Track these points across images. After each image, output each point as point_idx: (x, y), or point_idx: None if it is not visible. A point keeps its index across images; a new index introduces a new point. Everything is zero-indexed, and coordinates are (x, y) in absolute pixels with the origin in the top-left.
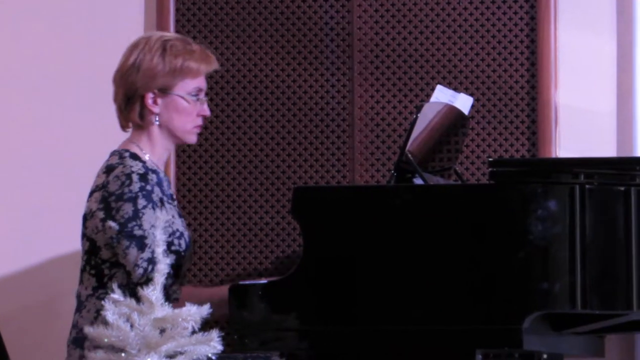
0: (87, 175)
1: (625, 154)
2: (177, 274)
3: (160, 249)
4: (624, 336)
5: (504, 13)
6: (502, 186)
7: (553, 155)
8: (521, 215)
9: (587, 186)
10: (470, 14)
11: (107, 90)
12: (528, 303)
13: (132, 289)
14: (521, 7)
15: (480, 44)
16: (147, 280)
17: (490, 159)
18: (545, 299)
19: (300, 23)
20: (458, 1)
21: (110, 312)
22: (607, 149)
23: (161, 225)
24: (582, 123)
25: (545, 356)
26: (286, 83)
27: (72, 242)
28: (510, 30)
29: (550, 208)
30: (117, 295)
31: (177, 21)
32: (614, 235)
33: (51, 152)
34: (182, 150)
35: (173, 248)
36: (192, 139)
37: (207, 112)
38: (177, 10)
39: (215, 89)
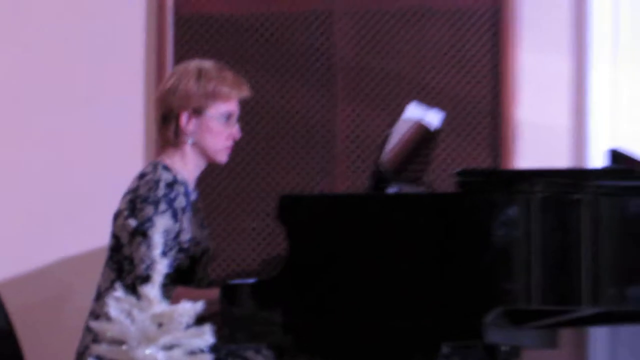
0: (97, 175)
1: (578, 166)
2: (190, 277)
3: (158, 251)
4: (577, 329)
5: (471, 36)
6: (469, 194)
7: (513, 167)
8: (485, 220)
9: (544, 194)
10: (441, 37)
11: (104, 94)
12: (491, 300)
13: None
14: (486, 30)
15: (449, 64)
16: (147, 277)
17: (457, 170)
18: (506, 297)
19: (288, 43)
20: (430, 25)
21: (113, 308)
22: (562, 162)
23: (173, 230)
24: (540, 138)
25: (505, 348)
26: (275, 98)
27: (83, 241)
28: (476, 52)
29: (511, 214)
30: (119, 293)
31: (175, 41)
32: (566, 239)
33: (62, 154)
34: None
35: (188, 254)
36: (222, 158)
37: (238, 135)
38: (175, 29)
39: None
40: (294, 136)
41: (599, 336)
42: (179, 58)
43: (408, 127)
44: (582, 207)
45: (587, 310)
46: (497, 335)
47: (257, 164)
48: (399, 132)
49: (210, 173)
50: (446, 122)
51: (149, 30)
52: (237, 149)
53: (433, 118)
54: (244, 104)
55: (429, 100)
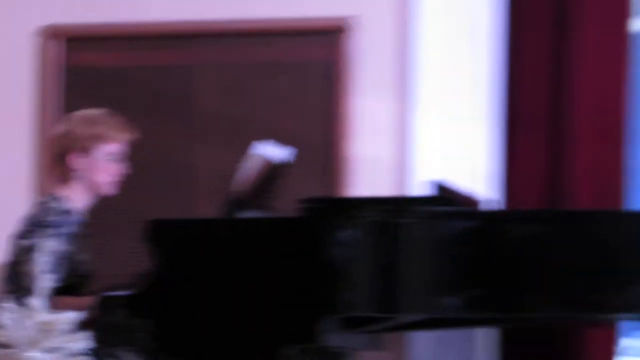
0: None
1: (402, 195)
2: (77, 291)
3: (43, 269)
4: (399, 334)
5: (310, 84)
6: (310, 218)
7: (347, 195)
8: (325, 241)
9: (372, 219)
10: (285, 85)
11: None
12: (326, 309)
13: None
14: (323, 80)
15: (293, 108)
16: (34, 290)
17: (301, 198)
18: (340, 306)
19: (157, 91)
20: (275, 76)
21: (4, 317)
22: (388, 191)
23: (60, 252)
24: (369, 170)
25: (339, 350)
26: (148, 139)
27: None
28: (315, 98)
29: (345, 236)
30: (9, 304)
31: (66, 91)
32: (391, 256)
33: None
34: None
35: (77, 272)
36: (108, 191)
37: (123, 171)
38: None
39: None
40: (161, 170)
41: (418, 339)
42: (69, 106)
43: (256, 161)
44: (404, 230)
45: (407, 317)
46: (331, 338)
47: (134, 193)
48: (248, 166)
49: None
50: (291, 157)
51: (41, 81)
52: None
53: (278, 153)
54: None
55: (276, 139)
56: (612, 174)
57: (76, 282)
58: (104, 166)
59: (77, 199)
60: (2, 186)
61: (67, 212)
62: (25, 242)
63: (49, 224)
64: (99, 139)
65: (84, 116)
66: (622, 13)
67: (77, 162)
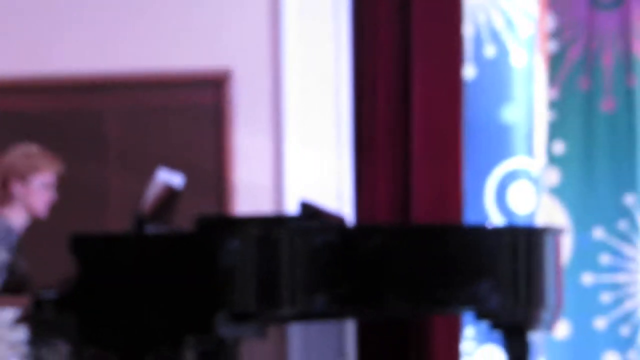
0: None
1: (279, 213)
2: (12, 291)
3: None
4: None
5: (201, 123)
6: (205, 232)
7: (233, 213)
8: (217, 250)
9: (256, 233)
10: (181, 125)
11: None
12: (219, 306)
13: None
14: (211, 120)
15: (186, 142)
16: None
17: (196, 215)
18: (230, 303)
19: (76, 132)
20: (172, 117)
21: None
22: (266, 209)
23: (3, 260)
24: (251, 193)
25: (229, 338)
26: (69, 171)
27: None
28: (204, 134)
29: (234, 246)
30: None
31: None
32: (272, 262)
33: None
34: None
35: (15, 277)
36: (40, 214)
37: (50, 198)
38: None
39: None
40: (81, 197)
41: (297, 329)
42: None
43: (158, 186)
44: (280, 242)
45: (285, 312)
46: (224, 329)
47: (61, 214)
48: (152, 190)
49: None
50: (187, 184)
51: None
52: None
53: (175, 180)
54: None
55: (173, 168)
56: (449, 192)
57: (14, 285)
58: (39, 192)
59: (16, 218)
60: None
61: (8, 228)
62: None
63: (4, 234)
64: (35, 169)
65: (23, 150)
66: (455, 73)
67: (16, 188)
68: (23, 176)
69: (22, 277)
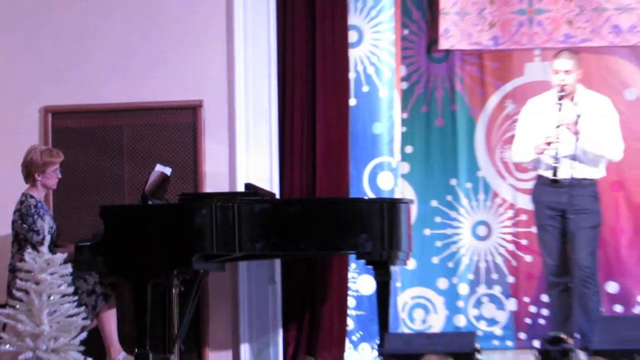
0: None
1: (232, 190)
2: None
3: (43, 232)
4: (233, 265)
5: (182, 135)
6: (186, 203)
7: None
8: (193, 214)
9: (218, 203)
10: (170, 135)
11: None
12: (195, 250)
13: (33, 248)
14: (189, 132)
15: (173, 147)
16: (42, 243)
17: (180, 194)
18: (201, 249)
19: (103, 138)
20: (165, 130)
21: (27, 256)
22: (225, 189)
23: (46, 223)
24: (216, 180)
25: (202, 271)
26: (96, 164)
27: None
28: (184, 141)
29: (204, 212)
30: (30, 250)
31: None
32: (228, 222)
33: None
34: None
35: (50, 233)
36: (53, 188)
37: (57, 177)
38: None
39: None
40: (106, 181)
41: (243, 265)
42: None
43: (156, 174)
44: (234, 208)
45: (238, 254)
46: (198, 265)
47: (93, 193)
48: (152, 177)
49: (67, 195)
50: (174, 174)
51: (42, 132)
52: (83, 184)
53: (167, 170)
54: (74, 164)
55: (165, 164)
56: (340, 178)
57: (53, 237)
58: (51, 176)
59: (38, 194)
60: (10, 190)
61: (38, 202)
62: (23, 224)
63: (31, 211)
64: (48, 162)
65: (37, 150)
66: (344, 102)
67: (37, 176)
68: (42, 168)
69: (56, 232)
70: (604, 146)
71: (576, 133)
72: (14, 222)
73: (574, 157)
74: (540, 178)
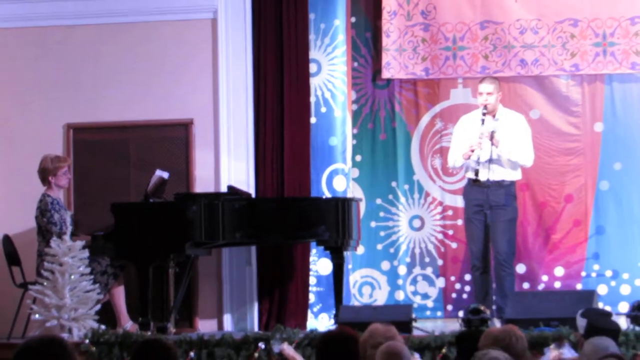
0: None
1: (216, 191)
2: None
3: (58, 226)
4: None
5: (176, 146)
6: (180, 201)
7: (195, 191)
8: (186, 209)
9: (206, 201)
10: (171, 142)
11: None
12: (187, 239)
13: (58, 237)
14: (183, 141)
15: (170, 156)
16: (63, 233)
17: (175, 194)
18: (192, 237)
19: (113, 149)
20: (164, 142)
21: (53, 243)
22: (211, 190)
23: (63, 217)
24: (205, 183)
25: (193, 255)
26: (105, 168)
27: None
28: (180, 147)
29: (194, 208)
30: (55, 239)
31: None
32: (214, 217)
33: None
34: None
35: (67, 225)
36: (65, 187)
37: (68, 178)
38: None
39: None
40: (116, 184)
41: (226, 250)
42: (76, 159)
43: (156, 178)
44: (219, 205)
45: (221, 242)
46: (189, 250)
47: (106, 193)
48: (153, 180)
49: (83, 194)
50: (170, 177)
51: (65, 145)
52: (93, 184)
53: (165, 175)
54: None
55: (164, 169)
56: (303, 181)
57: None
58: (62, 177)
59: (55, 194)
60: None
61: (54, 199)
62: (44, 218)
63: (49, 207)
64: (58, 166)
65: (49, 158)
66: (306, 119)
67: (51, 179)
68: (53, 172)
69: (73, 224)
70: (519, 154)
71: (495, 143)
72: (36, 217)
73: (491, 162)
74: (468, 180)
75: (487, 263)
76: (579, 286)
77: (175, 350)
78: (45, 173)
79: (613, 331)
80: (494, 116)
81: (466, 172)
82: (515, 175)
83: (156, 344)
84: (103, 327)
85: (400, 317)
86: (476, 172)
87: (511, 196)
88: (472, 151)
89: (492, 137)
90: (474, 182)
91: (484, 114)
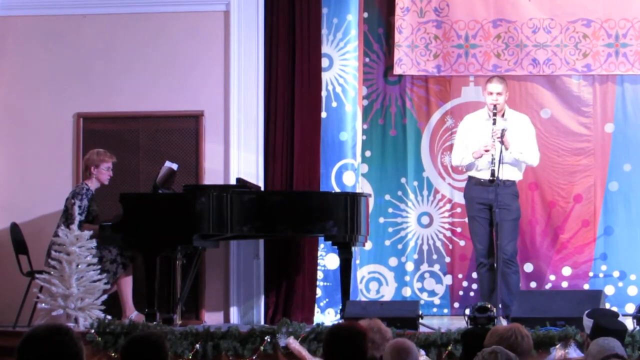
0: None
1: (226, 183)
2: (94, 222)
3: (76, 212)
4: (226, 244)
5: (187, 138)
6: (189, 192)
7: (204, 183)
8: (195, 201)
9: (215, 192)
10: (177, 137)
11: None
12: (194, 230)
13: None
14: (193, 134)
15: (182, 147)
16: (72, 222)
17: (184, 185)
18: (200, 230)
19: (124, 139)
20: (175, 133)
21: (61, 232)
22: (220, 182)
23: (84, 205)
24: (215, 175)
25: (200, 247)
26: (124, 162)
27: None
28: (189, 142)
29: (204, 199)
30: (63, 227)
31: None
32: (222, 207)
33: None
34: None
35: (94, 214)
36: (105, 183)
37: (110, 175)
38: None
39: None
40: (126, 174)
41: (234, 243)
42: (85, 146)
43: (165, 169)
44: (227, 197)
45: (229, 234)
46: (198, 242)
47: (115, 183)
48: (162, 171)
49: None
50: (180, 168)
51: (75, 136)
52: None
53: (174, 166)
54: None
55: (173, 160)
56: (313, 175)
57: (91, 218)
58: (104, 172)
59: (92, 185)
60: (49, 180)
61: (88, 189)
62: (70, 202)
63: (82, 195)
64: (102, 160)
65: (95, 151)
66: (317, 114)
67: (93, 170)
68: (96, 164)
69: (95, 215)
70: (526, 154)
71: (506, 142)
72: (66, 199)
73: (501, 162)
74: (471, 179)
75: (493, 260)
76: (586, 286)
77: (165, 345)
78: (89, 162)
79: (619, 332)
80: (502, 115)
81: (469, 171)
82: (518, 175)
83: (144, 340)
84: (109, 317)
85: (407, 313)
86: (492, 173)
87: (514, 196)
88: (487, 151)
89: (502, 137)
90: (490, 182)
91: (494, 114)
